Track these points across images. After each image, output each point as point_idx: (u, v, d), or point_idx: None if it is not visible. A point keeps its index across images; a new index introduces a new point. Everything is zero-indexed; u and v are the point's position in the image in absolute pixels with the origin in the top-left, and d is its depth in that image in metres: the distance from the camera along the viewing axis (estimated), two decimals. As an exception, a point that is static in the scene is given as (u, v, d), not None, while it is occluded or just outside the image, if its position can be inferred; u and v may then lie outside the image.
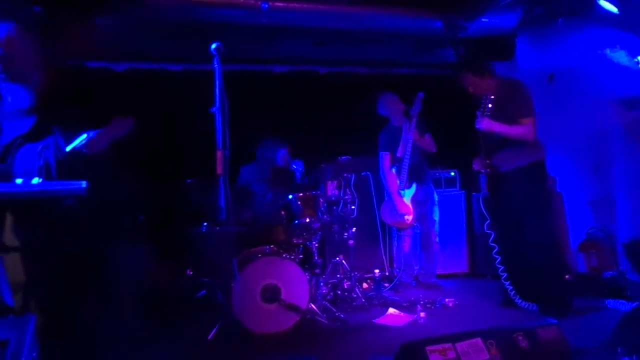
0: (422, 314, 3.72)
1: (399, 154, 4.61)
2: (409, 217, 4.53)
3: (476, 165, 3.83)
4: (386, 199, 4.78)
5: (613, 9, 3.97)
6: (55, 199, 2.02)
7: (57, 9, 3.60)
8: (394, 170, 4.68)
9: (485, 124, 3.62)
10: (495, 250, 3.82)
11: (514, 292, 3.73)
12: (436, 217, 4.84)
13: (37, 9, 3.33)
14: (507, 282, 3.76)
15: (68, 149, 2.30)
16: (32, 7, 3.33)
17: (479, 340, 1.87)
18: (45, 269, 2.30)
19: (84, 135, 2.30)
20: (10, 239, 2.29)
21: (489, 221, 3.87)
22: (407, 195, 4.54)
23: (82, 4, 3.78)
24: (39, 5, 3.35)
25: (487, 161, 3.72)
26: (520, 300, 3.69)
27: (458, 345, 1.84)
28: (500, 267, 3.79)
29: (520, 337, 1.91)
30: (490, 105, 3.58)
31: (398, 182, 4.58)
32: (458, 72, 3.92)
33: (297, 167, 4.83)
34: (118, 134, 2.55)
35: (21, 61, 2.44)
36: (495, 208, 3.86)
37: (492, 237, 3.83)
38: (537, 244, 3.56)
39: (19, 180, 1.93)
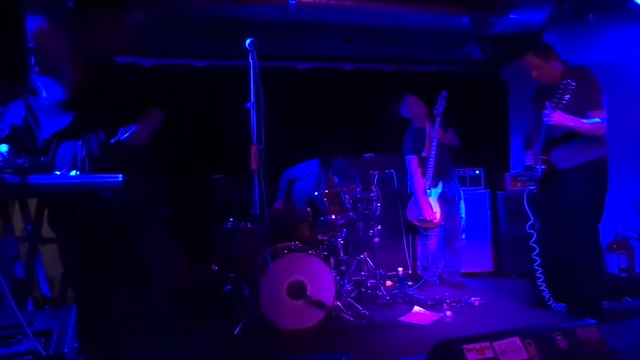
0: (448, 313, 3.69)
1: (424, 154, 4.60)
2: (436, 217, 4.52)
3: (529, 160, 3.55)
4: (413, 198, 4.76)
5: (647, 4, 3.88)
6: (93, 191, 2.04)
7: (88, 4, 3.65)
8: (420, 171, 4.67)
9: (557, 118, 3.22)
10: (535, 252, 3.58)
11: (548, 293, 3.58)
12: (463, 214, 4.81)
13: (70, 4, 3.37)
14: (543, 284, 3.59)
15: (113, 140, 2.32)
16: (66, 3, 3.37)
17: (516, 339, 1.84)
18: (82, 261, 2.33)
19: (129, 128, 2.32)
20: (47, 230, 2.32)
21: (532, 221, 3.57)
22: (434, 195, 4.53)
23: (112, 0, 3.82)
24: (71, 1, 3.38)
25: (544, 157, 3.43)
26: (554, 302, 3.56)
27: (496, 344, 1.81)
28: (538, 269, 3.58)
29: (559, 337, 1.87)
30: (567, 96, 3.15)
31: (425, 182, 4.57)
32: (492, 68, 3.68)
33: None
34: (154, 126, 2.57)
35: (53, 54, 2.46)
36: (545, 206, 3.57)
37: (534, 237, 3.57)
38: (584, 245, 3.36)
39: (57, 173, 1.95)
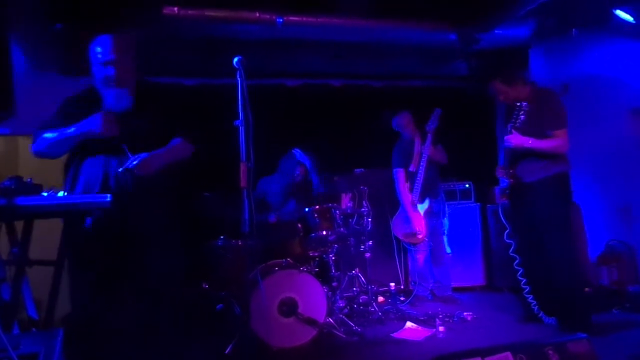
0: (440, 328, 3.68)
1: (411, 169, 4.62)
2: (421, 233, 4.53)
3: (499, 174, 3.70)
4: (398, 213, 4.78)
5: (629, 18, 3.96)
6: (81, 212, 2.02)
7: (75, 26, 3.66)
8: (407, 186, 4.70)
9: (516, 140, 3.44)
10: (516, 262, 3.67)
11: (537, 306, 3.63)
12: (445, 229, 4.83)
13: (58, 26, 3.38)
14: (529, 296, 3.65)
15: (120, 169, 2.35)
16: (53, 25, 3.38)
17: (508, 354, 1.83)
18: (74, 281, 2.30)
19: (138, 156, 2.34)
20: (35, 252, 2.29)
21: (508, 230, 3.72)
22: (420, 210, 4.57)
23: (99, 21, 3.83)
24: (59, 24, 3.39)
25: (511, 170, 3.59)
26: (543, 315, 3.59)
27: (488, 359, 1.81)
28: (521, 280, 3.66)
29: (550, 352, 1.87)
30: (522, 117, 3.39)
31: (412, 197, 4.61)
32: (478, 83, 3.82)
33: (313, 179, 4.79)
34: (177, 158, 2.58)
35: (131, 68, 2.60)
36: (516, 219, 3.72)
37: (513, 247, 3.68)
38: (558, 257, 3.44)
39: (44, 194, 1.94)
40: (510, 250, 3.70)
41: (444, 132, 4.75)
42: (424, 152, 4.51)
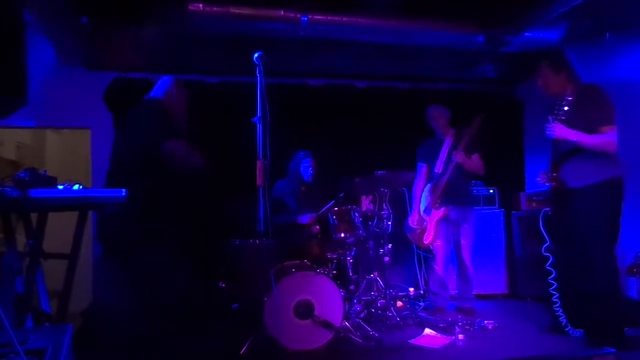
0: (460, 336, 3.59)
1: (437, 170, 4.46)
2: (428, 239, 4.40)
3: (541, 179, 3.39)
4: (411, 213, 4.67)
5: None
6: (96, 206, 2.01)
7: (101, 21, 3.69)
8: (428, 186, 4.53)
9: (559, 131, 3.12)
10: (551, 276, 3.43)
11: (565, 319, 3.43)
12: (467, 240, 4.51)
13: (84, 20, 3.41)
14: (559, 309, 3.44)
15: None
16: (79, 19, 3.40)
17: (531, 368, 1.76)
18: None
19: None
20: (49, 245, 2.30)
21: (548, 243, 3.41)
22: (434, 215, 4.40)
23: (125, 16, 3.85)
24: (85, 17, 3.42)
25: (554, 174, 3.27)
26: (571, 328, 3.40)
27: (509, 372, 1.73)
28: (554, 294, 3.43)
29: (576, 367, 1.78)
30: (566, 108, 3.08)
31: (429, 199, 4.43)
32: (506, 87, 3.60)
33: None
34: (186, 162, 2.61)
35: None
36: (558, 228, 3.39)
37: (550, 260, 3.41)
38: (600, 269, 3.15)
39: (60, 186, 1.93)
40: (547, 264, 3.42)
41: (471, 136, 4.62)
42: (453, 158, 4.28)
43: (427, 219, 4.45)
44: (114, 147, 2.94)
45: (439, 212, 4.39)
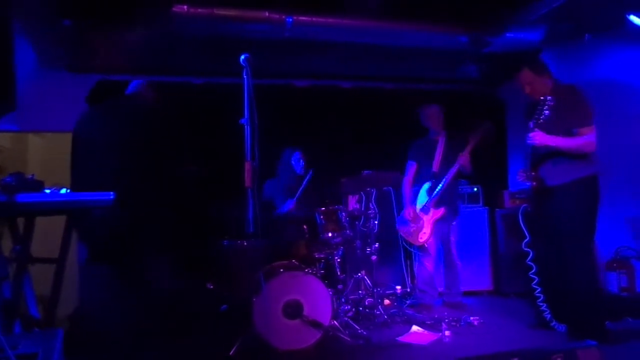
0: (447, 333, 3.63)
1: (434, 169, 4.54)
2: (423, 237, 4.46)
3: (520, 177, 3.47)
4: (404, 210, 4.72)
5: (644, 23, 3.90)
6: (84, 210, 2.01)
7: (84, 23, 3.66)
8: (427, 185, 4.58)
9: (539, 139, 3.22)
10: (532, 271, 3.48)
11: (549, 314, 3.49)
12: (454, 237, 4.67)
13: (67, 23, 3.38)
14: (543, 304, 3.50)
15: None
16: (62, 21, 3.38)
17: (516, 362, 1.80)
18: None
19: None
20: (37, 249, 2.28)
21: (527, 239, 3.49)
22: (430, 214, 4.48)
23: (108, 18, 3.83)
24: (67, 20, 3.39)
25: (533, 173, 3.36)
26: (556, 323, 3.46)
27: (494, 367, 1.77)
28: (537, 288, 3.50)
29: (559, 359, 1.83)
30: (546, 112, 3.14)
31: (429, 199, 4.50)
32: (489, 87, 3.67)
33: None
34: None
35: None
36: (537, 224, 3.47)
37: (531, 255, 3.48)
38: (578, 264, 3.25)
39: (47, 191, 1.92)
40: (528, 259, 3.50)
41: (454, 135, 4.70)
42: (458, 161, 4.38)
43: (425, 217, 4.52)
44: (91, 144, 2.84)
45: (439, 212, 4.50)
